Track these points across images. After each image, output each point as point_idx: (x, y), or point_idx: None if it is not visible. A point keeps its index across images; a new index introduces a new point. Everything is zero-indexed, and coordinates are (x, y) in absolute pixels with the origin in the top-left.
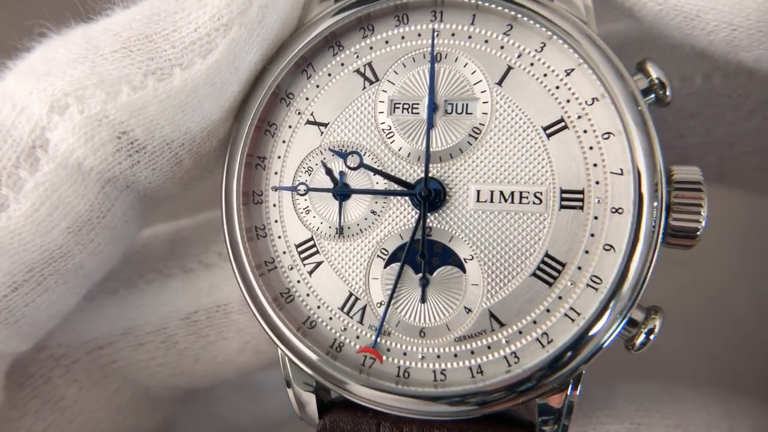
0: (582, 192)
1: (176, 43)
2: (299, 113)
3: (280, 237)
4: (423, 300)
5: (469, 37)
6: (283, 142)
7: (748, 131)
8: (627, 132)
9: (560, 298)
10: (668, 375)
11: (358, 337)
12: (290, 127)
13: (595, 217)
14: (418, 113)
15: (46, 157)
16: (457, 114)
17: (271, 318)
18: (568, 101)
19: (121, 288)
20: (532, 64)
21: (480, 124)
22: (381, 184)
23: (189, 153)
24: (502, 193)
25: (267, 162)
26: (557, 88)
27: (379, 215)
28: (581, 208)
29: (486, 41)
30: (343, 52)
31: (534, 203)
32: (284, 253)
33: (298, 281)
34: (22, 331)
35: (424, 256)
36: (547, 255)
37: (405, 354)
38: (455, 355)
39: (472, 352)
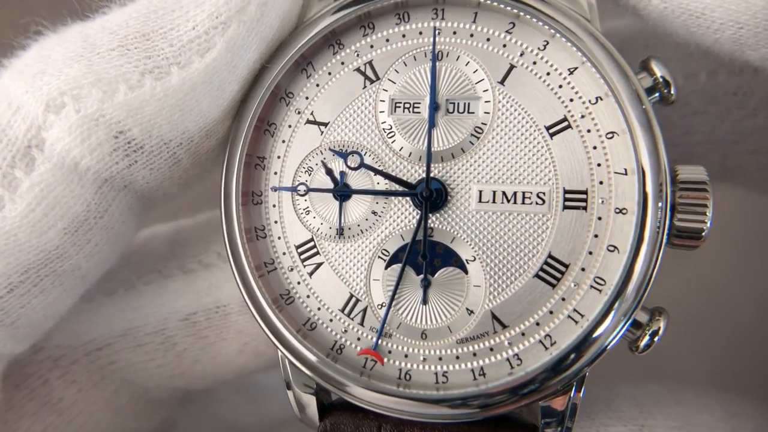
0: (585, 192)
1: (174, 42)
2: (299, 112)
3: (279, 238)
4: (424, 301)
5: (471, 36)
6: (283, 141)
7: (753, 129)
8: (631, 131)
9: (563, 299)
10: (669, 374)
11: (358, 339)
12: (290, 126)
13: (599, 218)
14: (420, 112)
15: (42, 156)
16: (459, 113)
17: (270, 320)
18: (572, 100)
19: (120, 289)
20: (534, 63)
21: (482, 123)
22: (382, 184)
23: (187, 152)
24: (504, 193)
25: (266, 162)
26: (560, 86)
27: (380, 216)
28: (585, 208)
29: (488, 39)
30: (343, 50)
31: (537, 204)
32: (284, 254)
33: (298, 282)
34: (18, 332)
35: (425, 257)
36: (550, 256)
37: (406, 356)
38: (457, 357)
39: (474, 354)
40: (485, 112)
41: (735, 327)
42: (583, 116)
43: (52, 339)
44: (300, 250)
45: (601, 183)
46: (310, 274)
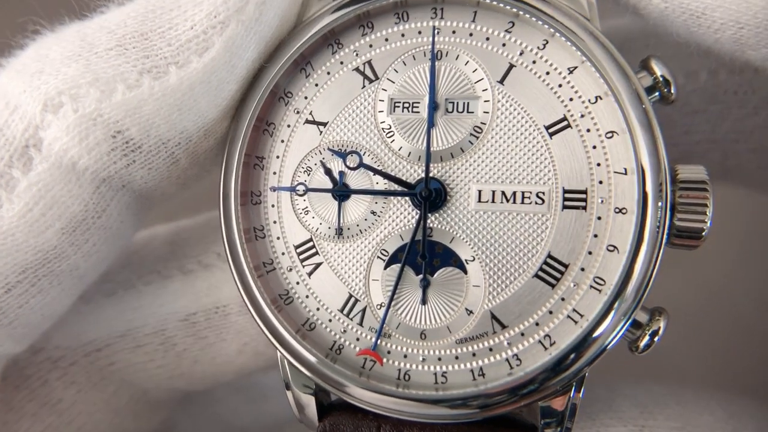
0: (585, 192)
1: (172, 41)
2: (298, 112)
3: (278, 238)
4: (424, 302)
5: (470, 35)
6: (282, 141)
7: (754, 128)
8: (631, 131)
9: (563, 299)
10: (669, 374)
11: (358, 339)
12: (289, 126)
13: (599, 218)
14: (419, 112)
15: (40, 156)
16: (458, 113)
17: (269, 320)
18: (571, 99)
19: (120, 289)
20: (534, 62)
21: (481, 123)
22: (381, 184)
23: (185, 152)
24: (504, 193)
25: (265, 162)
26: (560, 86)
27: (379, 216)
28: (584, 208)
29: (487, 39)
30: (342, 50)
31: (536, 203)
32: (283, 254)
33: (297, 283)
34: (16, 332)
35: (424, 257)
36: (549, 256)
37: (405, 356)
38: (456, 358)
39: (474, 355)
40: (484, 112)
41: (735, 327)
42: (582, 115)
43: (52, 340)
44: (299, 250)
45: (600, 182)
46: (309, 274)
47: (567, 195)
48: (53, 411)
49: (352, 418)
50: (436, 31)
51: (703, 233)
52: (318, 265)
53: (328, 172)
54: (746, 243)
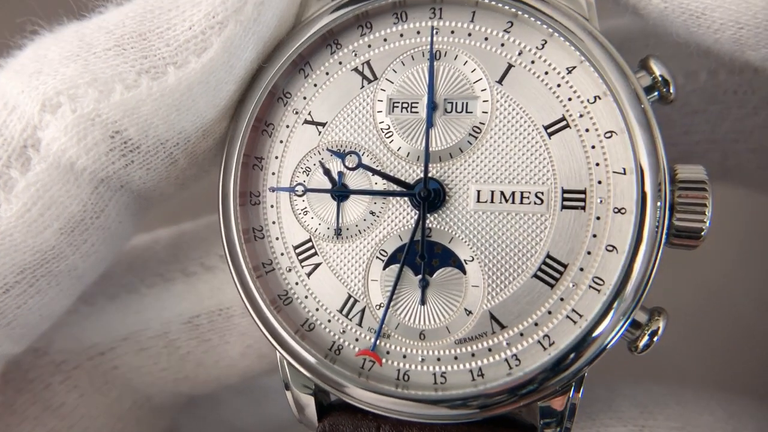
0: (584, 192)
1: (170, 41)
2: (297, 113)
3: (278, 238)
4: (423, 302)
5: (469, 35)
6: (281, 142)
7: (754, 127)
8: (630, 130)
9: (562, 299)
10: (668, 374)
11: (357, 340)
12: (288, 126)
13: (598, 218)
14: (417, 112)
15: (38, 156)
16: (457, 113)
17: (269, 320)
18: (570, 99)
19: (123, 293)
20: (533, 62)
21: (480, 123)
22: (380, 184)
23: (184, 152)
24: (502, 193)
25: (264, 162)
26: (558, 86)
27: (378, 216)
28: (583, 208)
29: (486, 39)
30: (341, 50)
31: (535, 203)
32: (282, 254)
33: (297, 283)
34: (14, 333)
35: (423, 257)
36: (548, 256)
37: (405, 357)
38: (455, 358)
39: (473, 355)
40: (483, 112)
41: (735, 327)
42: (581, 115)
43: (55, 344)
44: (298, 250)
45: (599, 182)
46: (308, 274)
47: (566, 195)
48: (55, 415)
49: (352, 419)
50: (434, 31)
51: (703, 233)
52: (317, 265)
53: (327, 172)
54: (746, 243)
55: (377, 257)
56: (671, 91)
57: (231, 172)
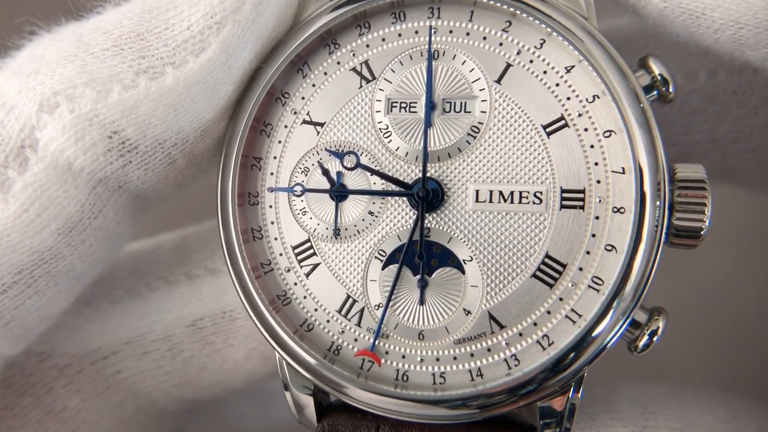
0: (583, 191)
1: (168, 42)
2: (295, 113)
3: (276, 239)
4: (422, 302)
5: (467, 34)
6: (279, 142)
7: (753, 127)
8: (629, 130)
9: (561, 299)
10: (668, 374)
11: (356, 340)
12: (286, 127)
13: (597, 217)
14: (416, 112)
15: (36, 156)
16: (456, 113)
17: (268, 321)
18: (569, 99)
19: (126, 296)
20: (531, 62)
21: (479, 122)
22: (378, 184)
23: (182, 153)
24: (501, 192)
25: (263, 163)
26: (557, 85)
27: (376, 216)
28: (582, 207)
29: (484, 38)
30: (339, 50)
31: (534, 203)
32: (281, 255)
33: (295, 283)
34: (12, 333)
35: (422, 257)
36: (547, 256)
37: (403, 357)
38: (454, 358)
39: (472, 355)
40: (482, 112)
41: (734, 326)
42: (580, 115)
43: (58, 347)
44: (297, 251)
45: (598, 182)
46: (307, 275)
47: (565, 194)
48: (58, 419)
49: (351, 419)
50: (432, 31)
51: (702, 232)
52: (316, 265)
53: (325, 172)
54: (746, 243)
55: (376, 257)
56: (670, 90)
57: (229, 172)
